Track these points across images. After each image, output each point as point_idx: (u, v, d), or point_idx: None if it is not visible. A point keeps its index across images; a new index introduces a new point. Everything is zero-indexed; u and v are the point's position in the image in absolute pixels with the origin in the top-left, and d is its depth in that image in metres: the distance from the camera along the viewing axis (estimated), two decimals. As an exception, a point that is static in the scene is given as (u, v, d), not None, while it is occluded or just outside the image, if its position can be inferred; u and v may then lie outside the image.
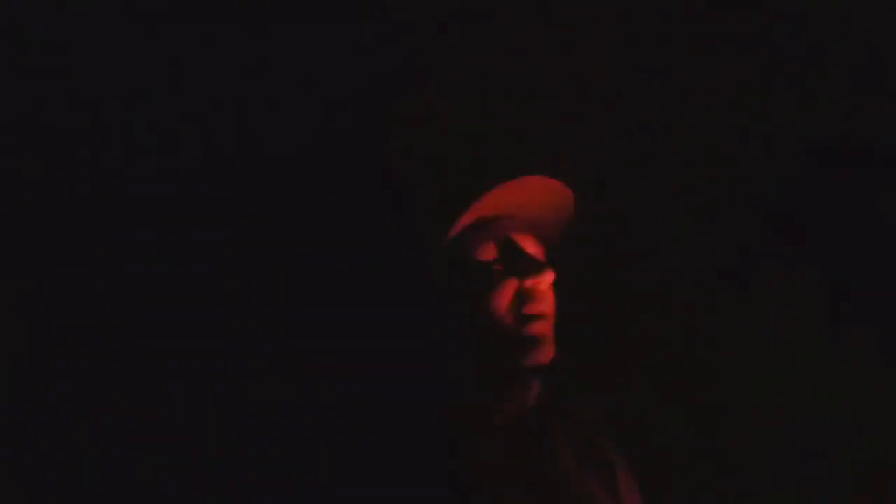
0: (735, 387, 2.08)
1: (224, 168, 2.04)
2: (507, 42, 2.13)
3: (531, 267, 1.65)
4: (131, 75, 2.04)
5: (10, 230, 1.99)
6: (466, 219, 1.67)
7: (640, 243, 2.12)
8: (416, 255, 1.76)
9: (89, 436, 1.93)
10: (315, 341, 1.98)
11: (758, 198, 2.13)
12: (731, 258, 2.12)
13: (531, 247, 1.69)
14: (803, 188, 2.14)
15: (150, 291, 1.99)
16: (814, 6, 2.15)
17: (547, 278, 1.65)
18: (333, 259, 2.01)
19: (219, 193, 2.03)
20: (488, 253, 1.67)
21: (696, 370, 2.09)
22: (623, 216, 2.08)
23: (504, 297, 1.64)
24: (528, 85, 2.12)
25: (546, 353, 1.64)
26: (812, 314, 2.10)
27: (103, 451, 1.93)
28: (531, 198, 1.70)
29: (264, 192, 2.04)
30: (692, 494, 2.02)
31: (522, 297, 1.64)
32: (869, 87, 2.15)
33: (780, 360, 2.09)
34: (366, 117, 2.07)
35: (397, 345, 1.82)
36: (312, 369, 1.96)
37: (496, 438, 1.63)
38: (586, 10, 2.13)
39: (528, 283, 1.64)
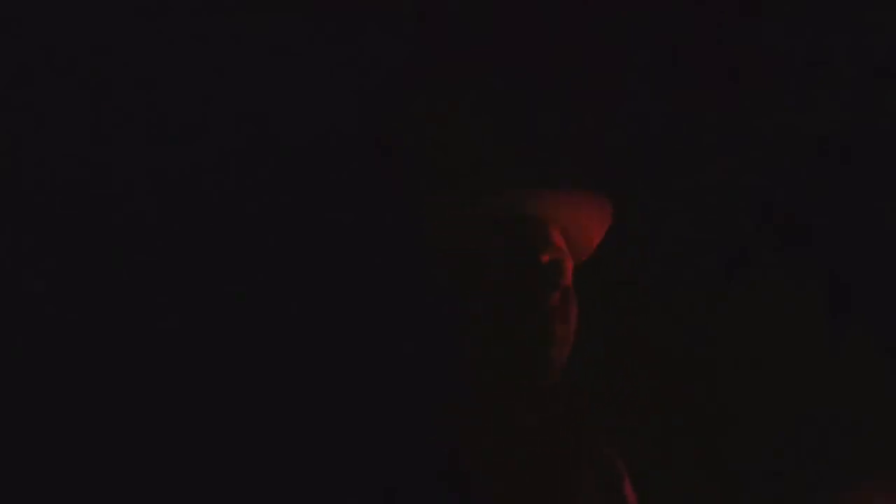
0: (735, 386, 2.08)
1: (222, 167, 2.04)
2: (507, 41, 2.12)
3: (542, 282, 1.63)
4: (126, 73, 2.04)
5: (12, 228, 1.99)
6: (489, 216, 1.66)
7: (640, 243, 2.11)
8: (416, 253, 1.76)
9: (88, 436, 1.93)
10: (314, 340, 1.98)
11: (758, 197, 2.13)
12: (731, 258, 2.12)
13: (550, 255, 1.66)
14: (803, 188, 2.14)
15: (146, 287, 1.99)
16: (814, 6, 2.15)
17: (555, 298, 1.62)
18: (334, 258, 2.01)
19: (216, 192, 2.03)
20: (499, 263, 1.65)
21: (696, 370, 2.09)
22: (623, 216, 2.08)
23: (506, 313, 1.62)
24: (528, 84, 2.12)
25: (549, 376, 1.62)
26: (812, 313, 2.10)
27: (103, 451, 1.93)
28: (571, 210, 1.69)
29: (263, 191, 2.04)
30: (692, 494, 2.02)
31: (531, 309, 1.62)
32: (869, 87, 2.15)
33: (779, 359, 2.09)
34: (366, 117, 2.07)
35: (397, 344, 1.82)
36: (311, 368, 1.96)
37: (508, 460, 1.62)
38: (586, 10, 2.13)
39: (539, 297, 1.62)
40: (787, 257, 2.12)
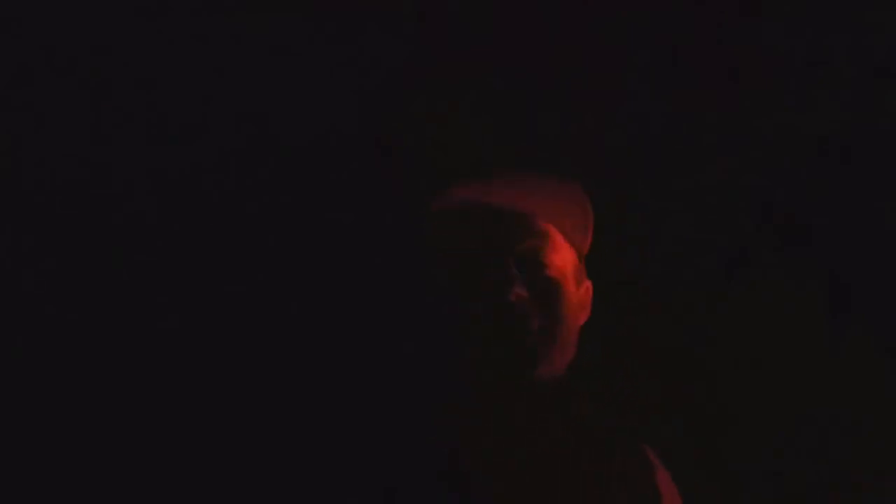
0: (735, 386, 2.08)
1: (222, 167, 2.04)
2: (507, 41, 2.13)
3: (503, 281, 1.60)
4: (126, 73, 2.04)
5: (12, 228, 1.99)
6: (464, 202, 1.64)
7: (640, 243, 2.11)
8: (416, 253, 1.76)
9: (88, 436, 1.93)
10: (314, 340, 1.98)
11: (758, 197, 2.13)
12: (731, 258, 2.12)
13: (528, 242, 1.64)
14: (803, 188, 2.14)
15: (147, 287, 1.99)
16: (814, 6, 2.15)
17: (517, 291, 1.59)
18: (334, 258, 2.01)
19: (216, 192, 2.03)
20: (480, 257, 1.63)
21: (696, 370, 2.09)
22: (623, 216, 2.08)
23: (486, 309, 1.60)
24: (528, 84, 2.12)
25: (534, 369, 1.61)
26: (812, 314, 2.10)
27: (103, 451, 1.93)
28: (551, 200, 1.67)
29: (263, 191, 2.04)
30: (692, 494, 2.02)
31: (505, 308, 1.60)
32: (869, 87, 2.15)
33: (779, 359, 2.09)
34: (366, 117, 2.07)
35: (397, 344, 1.82)
36: (311, 369, 1.96)
37: (508, 460, 1.61)
38: (586, 10, 2.13)
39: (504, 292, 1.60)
40: (787, 257, 2.12)
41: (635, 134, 2.14)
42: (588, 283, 1.75)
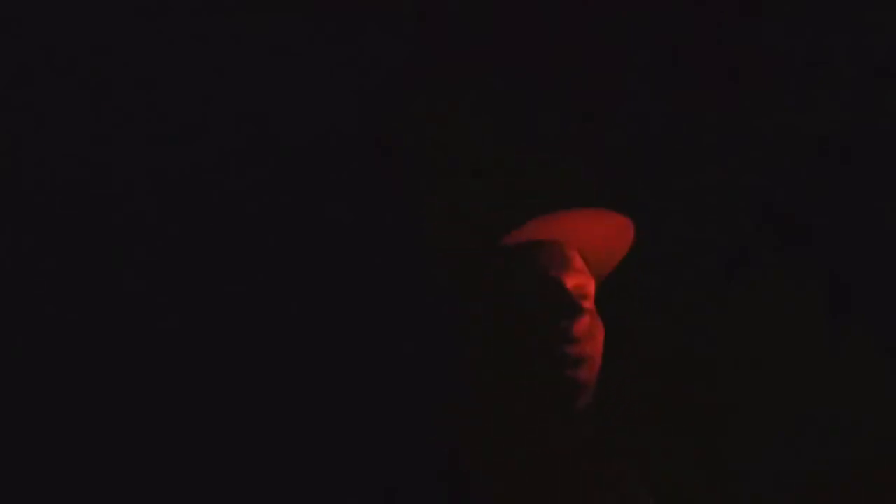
0: (735, 386, 2.08)
1: (222, 167, 2.04)
2: (507, 41, 2.13)
3: (568, 308, 1.60)
4: (126, 73, 2.04)
5: (12, 228, 1.99)
6: (516, 236, 1.64)
7: (640, 243, 2.11)
8: (416, 253, 1.76)
9: (88, 436, 1.93)
10: (314, 340, 1.98)
11: (758, 197, 2.13)
12: (731, 258, 2.12)
13: (573, 279, 1.64)
14: (803, 188, 2.14)
15: (147, 287, 1.99)
16: (814, 6, 2.15)
17: (582, 323, 1.61)
18: (334, 258, 2.01)
19: (216, 192, 2.03)
20: (527, 283, 1.62)
21: (695, 369, 2.09)
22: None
23: (538, 334, 1.60)
24: (528, 84, 2.12)
25: (581, 400, 1.62)
26: (812, 314, 2.10)
27: (103, 451, 1.93)
28: (590, 230, 1.67)
29: (263, 191, 2.04)
30: (692, 494, 2.02)
31: (559, 336, 1.60)
32: (869, 87, 2.15)
33: (779, 359, 2.10)
34: (366, 117, 2.07)
35: (397, 344, 1.82)
36: (311, 369, 1.96)
37: (508, 460, 1.61)
38: (586, 10, 2.14)
39: (564, 324, 1.61)
40: (787, 257, 2.12)
41: (635, 134, 2.14)
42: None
